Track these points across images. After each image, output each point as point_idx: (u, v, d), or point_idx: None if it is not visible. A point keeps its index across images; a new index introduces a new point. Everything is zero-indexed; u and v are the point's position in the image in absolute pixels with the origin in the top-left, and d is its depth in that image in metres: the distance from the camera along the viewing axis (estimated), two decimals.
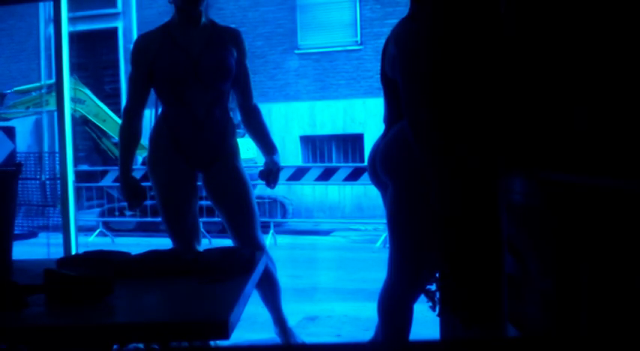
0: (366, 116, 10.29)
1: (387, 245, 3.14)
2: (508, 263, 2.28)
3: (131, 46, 3.12)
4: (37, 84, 10.15)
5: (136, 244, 6.40)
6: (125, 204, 3.08)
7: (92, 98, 9.31)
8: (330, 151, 10.73)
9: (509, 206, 2.27)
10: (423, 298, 2.62)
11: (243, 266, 2.16)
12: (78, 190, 9.19)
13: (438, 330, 2.57)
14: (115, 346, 1.89)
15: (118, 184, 4.32)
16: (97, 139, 9.64)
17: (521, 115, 2.22)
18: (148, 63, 2.99)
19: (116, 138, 8.51)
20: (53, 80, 9.26)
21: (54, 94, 8.82)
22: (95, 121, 9.44)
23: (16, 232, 2.45)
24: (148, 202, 6.85)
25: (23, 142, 10.39)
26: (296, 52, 10.83)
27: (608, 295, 1.66)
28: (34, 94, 9.47)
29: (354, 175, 7.89)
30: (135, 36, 10.45)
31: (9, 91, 9.82)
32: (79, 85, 9.20)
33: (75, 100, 8.79)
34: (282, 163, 3.22)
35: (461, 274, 2.34)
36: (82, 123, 9.33)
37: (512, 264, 2.27)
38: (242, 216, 3.08)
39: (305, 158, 10.75)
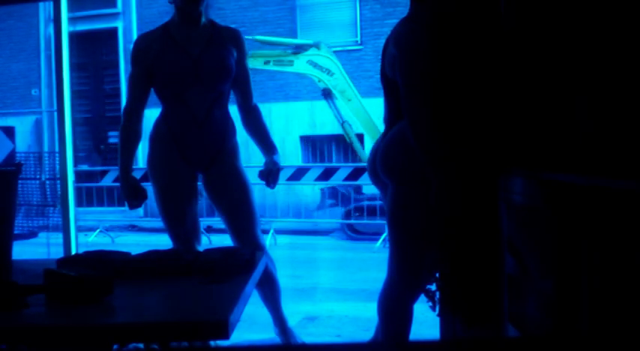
0: None
1: (387, 245, 3.14)
2: (508, 263, 2.28)
3: (131, 46, 3.12)
4: (285, 39, 9.19)
5: (136, 244, 6.41)
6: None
7: (343, 73, 8.23)
8: (330, 151, 10.72)
9: (509, 206, 2.27)
10: (423, 298, 2.62)
11: (243, 266, 2.16)
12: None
13: (438, 330, 2.57)
14: (115, 346, 1.89)
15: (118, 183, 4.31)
16: (336, 117, 8.38)
17: (522, 114, 2.22)
18: (147, 63, 2.99)
19: (356, 120, 7.94)
20: (307, 41, 8.49)
21: (300, 56, 8.08)
22: (340, 98, 8.24)
23: (16, 232, 2.45)
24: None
25: (23, 142, 10.39)
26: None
27: (608, 295, 1.66)
28: (277, 50, 8.47)
29: (354, 175, 7.89)
30: (135, 36, 10.45)
31: (249, 38, 9.19)
32: (332, 55, 8.22)
33: (324, 70, 8.06)
34: (282, 163, 3.22)
35: (461, 273, 2.35)
36: (323, 95, 8.32)
37: (512, 264, 2.27)
38: (242, 216, 3.08)
39: (305, 158, 10.73)
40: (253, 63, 8.44)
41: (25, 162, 8.11)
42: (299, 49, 8.10)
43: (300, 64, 8.06)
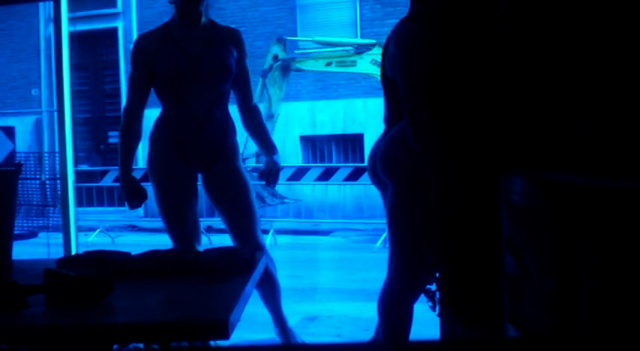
0: (366, 116, 10.27)
1: (387, 245, 3.14)
2: (508, 263, 2.28)
3: (131, 46, 3.12)
4: (346, 38, 8.85)
5: (136, 244, 6.41)
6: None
7: None
8: (330, 151, 10.72)
9: (509, 206, 2.27)
10: (423, 298, 2.62)
11: (243, 266, 2.16)
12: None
13: (438, 330, 2.57)
14: (115, 346, 1.89)
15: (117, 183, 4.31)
16: None
17: (522, 114, 2.22)
18: (147, 63, 2.99)
19: None
20: (369, 40, 8.10)
21: (364, 56, 7.80)
22: None
23: (16, 232, 2.45)
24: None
25: (23, 142, 10.38)
26: (296, 52, 10.82)
27: (608, 295, 1.66)
28: (339, 50, 8.24)
29: (354, 175, 7.88)
30: (135, 36, 10.44)
31: (309, 39, 8.68)
32: None
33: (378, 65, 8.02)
34: (282, 163, 3.22)
35: (461, 273, 2.35)
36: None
37: (512, 264, 2.27)
38: (242, 216, 3.08)
39: (305, 158, 10.73)
40: (314, 65, 8.24)
41: (25, 162, 8.10)
42: (361, 48, 7.89)
43: (363, 64, 7.88)
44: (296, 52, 8.79)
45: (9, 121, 9.72)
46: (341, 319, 4.17)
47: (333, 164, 9.60)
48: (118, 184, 3.45)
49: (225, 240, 3.32)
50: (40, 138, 11.37)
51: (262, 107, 8.68)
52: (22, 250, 2.68)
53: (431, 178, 2.40)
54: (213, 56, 2.97)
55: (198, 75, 2.95)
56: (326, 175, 8.04)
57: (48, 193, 8.40)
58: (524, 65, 2.20)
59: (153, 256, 2.27)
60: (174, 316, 1.78)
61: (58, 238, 4.33)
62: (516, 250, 2.24)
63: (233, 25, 3.24)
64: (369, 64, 7.79)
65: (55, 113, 4.09)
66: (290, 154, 10.16)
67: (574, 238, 1.77)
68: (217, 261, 2.19)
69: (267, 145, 3.17)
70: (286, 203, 8.66)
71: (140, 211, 9.04)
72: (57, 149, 4.60)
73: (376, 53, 7.68)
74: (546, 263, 1.99)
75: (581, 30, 1.90)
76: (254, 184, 8.28)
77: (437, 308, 2.53)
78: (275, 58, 8.32)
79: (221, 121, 3.04)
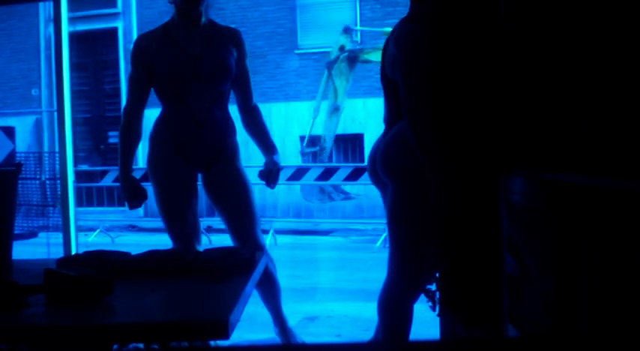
0: (366, 116, 10.27)
1: (387, 245, 3.14)
2: (508, 263, 2.28)
3: (131, 46, 3.12)
4: None
5: (136, 244, 6.41)
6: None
7: None
8: (330, 151, 10.71)
9: (509, 206, 2.27)
10: (423, 298, 2.62)
11: (243, 266, 2.16)
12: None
13: (438, 330, 2.57)
14: (115, 346, 1.89)
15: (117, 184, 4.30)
16: None
17: (522, 114, 2.23)
18: (147, 63, 2.99)
19: None
20: None
21: None
22: None
23: (16, 232, 2.45)
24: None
25: (23, 142, 10.38)
26: (296, 52, 10.82)
27: (608, 295, 1.66)
28: None
29: (354, 175, 7.88)
30: (135, 36, 10.44)
31: (378, 30, 8.39)
32: None
33: None
34: (282, 163, 3.22)
35: (461, 273, 2.35)
36: None
37: (512, 264, 2.27)
38: (242, 216, 3.08)
39: (305, 158, 10.73)
40: (378, 56, 8.23)
41: (25, 162, 8.09)
42: None
43: None
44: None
45: (9, 121, 9.72)
46: (341, 319, 4.17)
47: (333, 164, 9.59)
48: (118, 184, 3.45)
49: (225, 240, 3.32)
50: (40, 138, 11.37)
51: (327, 99, 8.50)
52: (22, 250, 2.68)
53: (431, 178, 2.40)
54: (213, 56, 2.97)
55: (198, 75, 2.95)
56: (326, 175, 8.04)
57: (48, 193, 8.41)
58: (524, 65, 2.20)
59: (153, 256, 2.27)
60: (174, 316, 1.78)
61: (58, 238, 4.33)
62: (516, 250, 2.24)
63: (233, 25, 3.24)
64: None
65: (55, 113, 4.09)
66: (290, 154, 10.16)
67: (574, 238, 1.77)
68: (217, 261, 2.19)
69: (267, 145, 3.17)
70: (352, 198, 8.58)
71: (140, 211, 9.05)
72: (57, 149, 4.60)
73: None
74: (546, 263, 1.99)
75: (581, 30, 1.90)
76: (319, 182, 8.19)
77: (437, 308, 2.53)
78: (342, 48, 8.17)
79: (221, 121, 3.04)
